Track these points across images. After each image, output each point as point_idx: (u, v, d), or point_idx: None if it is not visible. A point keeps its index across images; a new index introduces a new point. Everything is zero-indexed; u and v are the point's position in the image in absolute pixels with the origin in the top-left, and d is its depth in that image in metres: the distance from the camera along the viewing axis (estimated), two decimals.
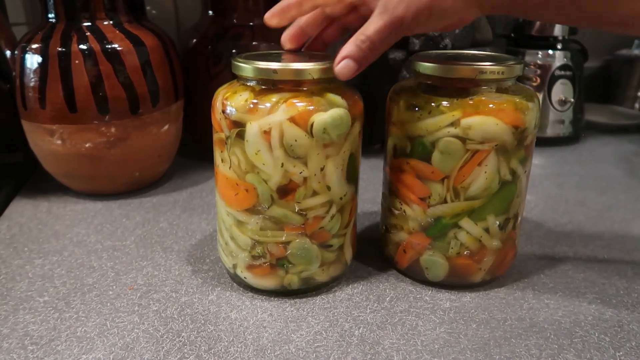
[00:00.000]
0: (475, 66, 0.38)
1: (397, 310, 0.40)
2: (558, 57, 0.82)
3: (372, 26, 0.36)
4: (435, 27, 0.39)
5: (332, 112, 0.37)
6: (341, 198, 0.40)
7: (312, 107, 0.36)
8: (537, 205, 0.61)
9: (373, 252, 0.48)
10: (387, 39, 0.37)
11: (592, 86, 0.99)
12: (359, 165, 0.42)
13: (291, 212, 0.38)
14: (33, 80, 0.53)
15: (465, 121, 0.38)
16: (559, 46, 0.83)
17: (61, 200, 0.59)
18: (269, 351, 0.36)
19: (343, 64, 0.37)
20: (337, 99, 0.38)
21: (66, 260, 0.47)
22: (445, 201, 0.40)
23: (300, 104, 0.36)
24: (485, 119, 0.38)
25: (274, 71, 0.36)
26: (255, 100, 0.37)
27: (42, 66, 0.53)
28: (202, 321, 0.39)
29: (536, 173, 0.72)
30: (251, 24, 0.67)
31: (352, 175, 0.40)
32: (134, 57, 0.55)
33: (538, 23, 0.82)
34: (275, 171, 0.37)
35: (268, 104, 0.37)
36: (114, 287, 0.43)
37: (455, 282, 0.43)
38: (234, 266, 0.42)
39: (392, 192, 0.44)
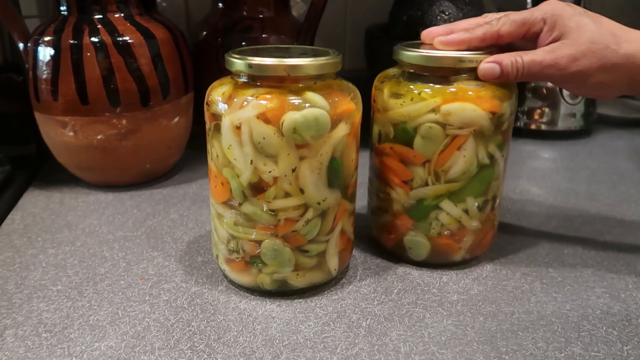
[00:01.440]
0: (455, 55, 0.40)
1: (404, 303, 0.41)
2: None
3: (532, 56, 0.39)
4: (583, 93, 0.41)
5: (305, 112, 0.35)
6: (319, 203, 0.38)
7: (282, 105, 0.35)
8: (547, 199, 0.60)
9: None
10: (535, 75, 0.39)
11: None
12: (350, 170, 0.40)
13: (261, 211, 0.38)
14: (45, 72, 0.54)
15: (445, 107, 0.40)
16: None
17: (73, 192, 0.60)
18: (277, 341, 0.36)
19: (489, 66, 0.39)
20: (316, 98, 0.36)
21: (79, 250, 0.48)
22: (426, 184, 0.42)
23: (268, 102, 0.36)
24: (464, 105, 0.40)
25: (250, 66, 0.36)
26: (231, 95, 0.37)
27: (55, 58, 0.53)
28: (212, 311, 0.39)
29: (546, 167, 0.71)
30: (261, 16, 0.67)
31: (335, 180, 0.39)
32: (145, 49, 0.55)
33: None
34: (245, 167, 0.37)
35: (241, 99, 0.36)
36: (126, 276, 0.44)
37: (436, 261, 0.45)
38: (217, 257, 0.43)
39: (377, 176, 0.46)
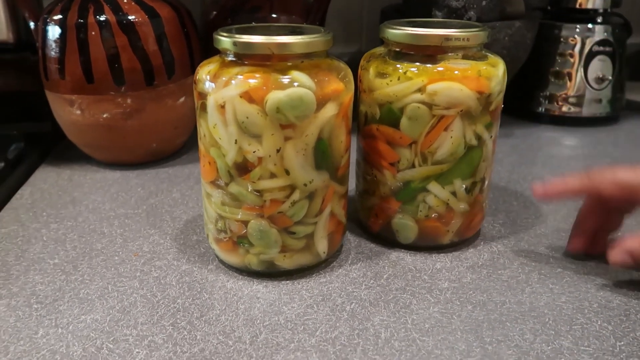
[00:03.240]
0: (441, 33, 0.39)
1: (392, 288, 0.40)
2: (597, 32, 0.76)
3: None
4: None
5: (289, 91, 0.35)
6: (306, 185, 0.38)
7: (266, 84, 0.35)
8: None
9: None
10: None
11: (637, 63, 0.92)
12: (339, 152, 0.39)
13: (246, 191, 0.37)
14: (53, 51, 0.55)
15: (431, 87, 0.39)
16: (599, 20, 0.78)
17: (83, 169, 0.62)
18: (258, 321, 0.36)
19: (621, 257, 0.38)
20: (302, 77, 0.36)
21: (80, 225, 0.49)
22: (413, 166, 0.41)
23: (252, 80, 0.35)
24: (451, 84, 0.39)
25: (235, 44, 0.36)
26: (216, 73, 0.37)
27: (61, 37, 0.54)
28: (199, 289, 0.40)
29: (564, 154, 0.69)
30: None
31: (323, 162, 0.38)
32: (149, 28, 0.56)
33: None
34: (230, 147, 0.36)
35: (225, 78, 0.36)
36: (120, 253, 0.45)
37: (424, 244, 0.45)
38: (208, 236, 0.43)
39: (364, 158, 0.45)
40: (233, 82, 0.36)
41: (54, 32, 0.55)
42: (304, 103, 0.35)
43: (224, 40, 0.37)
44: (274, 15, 0.66)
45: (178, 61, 0.58)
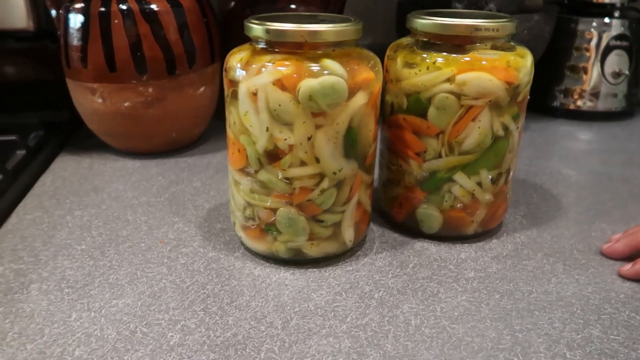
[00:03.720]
0: (470, 23, 0.39)
1: (419, 277, 0.40)
2: (615, 26, 0.76)
3: None
4: None
5: (322, 79, 0.35)
6: (335, 173, 0.38)
7: (298, 72, 0.35)
8: (578, 180, 0.58)
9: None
10: None
11: None
12: (368, 140, 0.40)
13: (276, 179, 0.38)
14: (76, 39, 0.55)
15: (460, 77, 0.39)
16: (616, 14, 0.77)
17: (102, 158, 0.62)
18: (288, 307, 0.37)
19: (636, 272, 0.40)
20: (334, 65, 0.36)
21: (103, 213, 0.49)
22: (440, 156, 0.41)
23: (285, 68, 0.35)
24: (480, 74, 0.39)
25: (267, 31, 0.36)
26: (248, 60, 0.37)
27: (84, 26, 0.54)
28: (227, 276, 0.40)
29: (580, 148, 0.69)
30: None
31: (352, 151, 0.38)
32: (172, 17, 0.56)
33: None
34: (261, 134, 0.37)
35: (258, 65, 0.36)
36: (146, 239, 0.45)
37: (448, 234, 0.45)
38: (234, 224, 0.43)
39: (389, 148, 0.45)
40: (265, 69, 0.36)
41: (76, 20, 0.55)
42: (336, 91, 0.36)
43: (256, 28, 0.37)
44: (292, 6, 0.66)
45: (199, 51, 0.59)
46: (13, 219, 0.48)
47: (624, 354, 0.33)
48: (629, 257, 0.42)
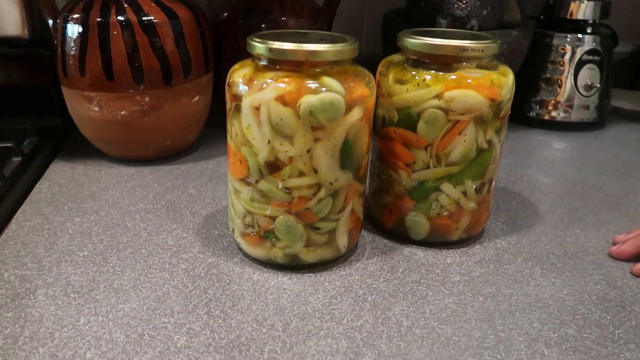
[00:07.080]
0: (457, 44, 0.42)
1: (408, 281, 0.43)
2: (587, 42, 0.81)
3: None
4: None
5: (321, 96, 0.37)
6: (331, 183, 0.40)
7: (299, 89, 0.37)
8: (554, 188, 0.62)
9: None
10: None
11: (621, 71, 0.97)
12: (362, 152, 0.42)
13: (276, 189, 0.40)
14: (74, 48, 0.56)
15: (448, 94, 0.42)
16: (588, 30, 0.82)
17: (96, 164, 0.63)
18: (287, 310, 0.39)
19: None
20: (332, 83, 0.38)
21: (102, 219, 0.51)
22: (428, 167, 0.44)
23: (286, 85, 0.38)
24: (466, 92, 0.42)
25: (270, 50, 0.38)
26: (251, 77, 0.39)
27: (83, 35, 0.56)
28: (227, 281, 0.42)
29: (556, 157, 0.73)
30: None
31: (347, 162, 0.41)
32: (169, 29, 0.57)
33: (570, 5, 0.81)
34: (262, 146, 0.39)
35: (261, 81, 0.38)
36: (147, 246, 0.47)
37: (435, 240, 0.48)
38: (233, 231, 0.45)
39: (380, 158, 0.48)
40: (267, 86, 0.38)
41: (74, 30, 0.56)
42: (335, 107, 0.38)
43: (259, 47, 0.39)
44: (283, 18, 0.69)
45: (194, 61, 0.60)
46: (13, 225, 0.49)
47: (596, 351, 0.36)
48: (636, 258, 0.46)
